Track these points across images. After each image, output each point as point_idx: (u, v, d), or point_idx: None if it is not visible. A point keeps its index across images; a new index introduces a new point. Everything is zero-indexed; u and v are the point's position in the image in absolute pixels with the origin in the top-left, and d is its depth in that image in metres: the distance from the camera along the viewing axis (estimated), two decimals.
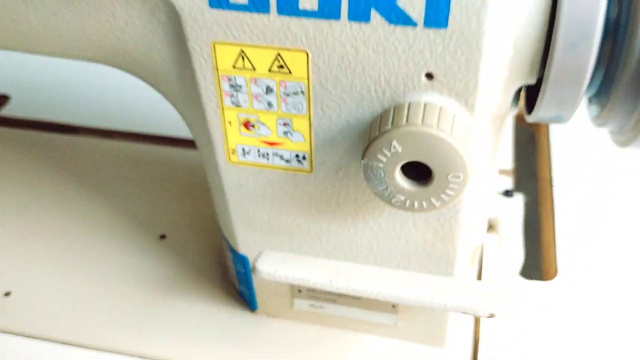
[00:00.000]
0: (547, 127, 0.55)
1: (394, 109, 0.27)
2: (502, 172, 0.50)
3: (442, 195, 0.28)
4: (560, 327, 0.40)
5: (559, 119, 0.29)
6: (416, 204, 0.28)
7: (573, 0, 0.25)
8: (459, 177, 0.27)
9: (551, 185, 0.49)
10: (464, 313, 0.31)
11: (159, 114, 0.56)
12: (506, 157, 0.52)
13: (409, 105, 0.27)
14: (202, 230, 0.47)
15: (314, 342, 0.40)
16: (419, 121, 0.26)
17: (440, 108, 0.27)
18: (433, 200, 0.28)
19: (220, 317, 0.41)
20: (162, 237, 0.46)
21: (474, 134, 0.28)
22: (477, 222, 0.34)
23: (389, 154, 0.27)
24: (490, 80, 0.27)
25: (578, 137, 0.52)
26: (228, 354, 0.39)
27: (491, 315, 0.30)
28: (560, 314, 0.40)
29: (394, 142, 0.26)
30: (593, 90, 0.29)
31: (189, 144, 0.53)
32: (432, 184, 0.27)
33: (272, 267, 0.34)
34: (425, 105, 0.27)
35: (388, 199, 0.28)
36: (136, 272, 0.44)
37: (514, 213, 0.46)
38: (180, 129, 0.54)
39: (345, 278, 0.33)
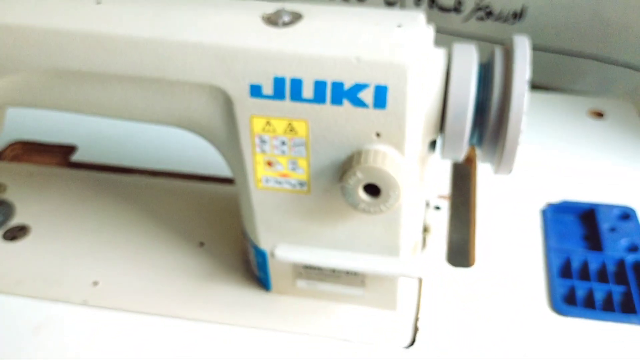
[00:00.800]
0: (476, 164, 0.76)
1: (358, 153, 0.47)
2: (440, 196, 0.70)
3: (387, 204, 0.47)
4: (476, 298, 0.59)
5: (456, 159, 0.49)
6: (372, 209, 0.48)
7: (455, 91, 0.45)
8: (395, 192, 0.47)
9: (475, 203, 0.69)
10: (404, 276, 0.51)
11: (192, 157, 0.76)
12: (445, 185, 0.72)
13: (366, 151, 0.47)
14: (229, 239, 0.66)
15: (310, 310, 0.59)
16: (371, 161, 0.46)
17: (384, 153, 0.47)
18: (382, 207, 0.47)
19: (245, 294, 0.60)
20: (201, 244, 0.66)
21: (405, 168, 0.48)
22: (413, 224, 0.53)
23: (355, 180, 0.47)
24: (412, 137, 0.47)
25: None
26: (251, 320, 0.58)
27: (419, 278, 0.50)
28: (477, 290, 0.60)
29: (358, 173, 0.46)
30: (475, 141, 0.49)
31: (218, 180, 0.73)
32: (380, 197, 0.47)
33: (284, 253, 0.53)
34: (375, 151, 0.47)
35: (355, 207, 0.48)
36: (186, 268, 0.63)
37: (442, 221, 0.66)
38: (209, 169, 0.74)
39: (332, 259, 0.52)
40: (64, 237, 0.67)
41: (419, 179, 0.51)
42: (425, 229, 0.64)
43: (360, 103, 0.46)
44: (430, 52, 0.47)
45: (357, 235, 0.53)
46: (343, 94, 0.46)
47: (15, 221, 0.68)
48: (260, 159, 0.51)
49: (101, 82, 0.51)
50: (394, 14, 0.48)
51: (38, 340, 0.56)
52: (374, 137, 0.47)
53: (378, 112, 0.46)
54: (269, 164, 0.51)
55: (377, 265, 0.52)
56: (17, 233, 0.67)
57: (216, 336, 0.57)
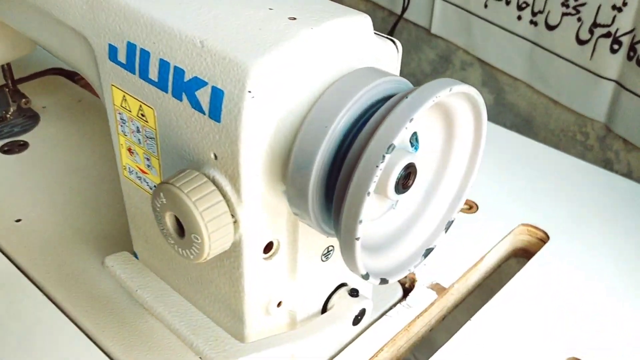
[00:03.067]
0: None
1: (183, 170, 0.35)
2: None
3: (192, 251, 0.34)
4: None
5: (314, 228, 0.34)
6: (180, 251, 0.35)
7: (305, 134, 0.31)
8: (198, 240, 0.33)
9: None
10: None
11: None
12: None
13: (188, 172, 0.34)
14: None
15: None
16: (180, 184, 0.33)
17: (206, 181, 0.33)
18: (187, 252, 0.34)
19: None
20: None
21: (238, 211, 0.34)
22: (263, 285, 0.38)
23: (160, 202, 0.34)
24: (251, 172, 0.33)
25: None
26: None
27: None
28: None
29: (162, 194, 0.34)
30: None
31: None
32: (184, 238, 0.34)
33: (114, 266, 0.42)
34: (197, 175, 0.34)
35: (166, 238, 0.36)
36: None
37: None
38: None
39: (147, 300, 0.40)
40: None
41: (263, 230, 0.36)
42: None
43: (197, 105, 0.33)
44: (318, 70, 0.32)
45: (204, 282, 0.40)
46: (182, 86, 0.34)
47: None
48: (122, 141, 0.41)
49: (33, 11, 0.45)
50: (327, 6, 0.34)
51: None
52: (212, 157, 0.34)
53: (213, 124, 0.33)
54: (130, 151, 0.41)
55: (183, 330, 0.38)
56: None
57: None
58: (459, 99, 0.32)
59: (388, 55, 0.36)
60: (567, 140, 1.04)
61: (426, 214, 0.36)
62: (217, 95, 0.32)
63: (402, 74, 0.36)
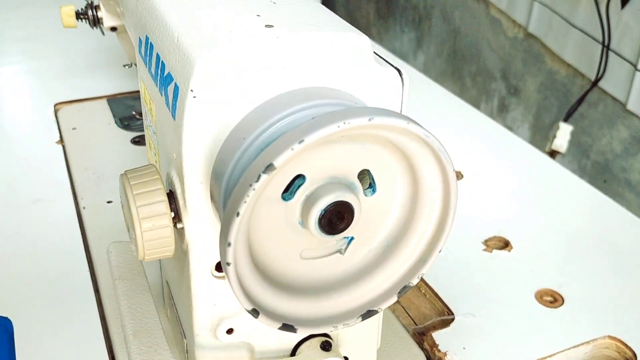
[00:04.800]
0: None
1: (147, 165, 0.34)
2: None
3: (133, 245, 0.33)
4: None
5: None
6: (132, 245, 0.34)
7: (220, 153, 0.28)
8: (132, 235, 0.32)
9: None
10: None
11: None
12: None
13: (149, 166, 0.33)
14: None
15: None
16: (131, 176, 0.33)
17: (155, 178, 0.32)
18: (133, 247, 0.34)
19: None
20: None
21: (184, 217, 0.32)
22: (210, 305, 0.35)
23: (120, 190, 0.34)
24: (193, 180, 0.31)
25: None
26: None
27: None
28: None
29: (119, 182, 0.33)
30: None
31: None
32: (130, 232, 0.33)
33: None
34: (151, 171, 0.33)
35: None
36: None
37: None
38: None
39: None
40: None
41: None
42: None
43: (167, 101, 0.33)
44: (274, 79, 0.30)
45: (181, 287, 0.39)
46: (163, 81, 0.34)
47: None
48: (147, 134, 0.42)
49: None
50: (317, 18, 0.32)
51: None
52: (174, 157, 0.33)
53: (172, 122, 0.32)
54: (150, 145, 0.41)
55: (127, 328, 0.37)
56: None
57: None
58: (417, 144, 0.27)
59: (387, 84, 0.32)
60: None
61: (380, 271, 0.31)
62: (175, 93, 0.31)
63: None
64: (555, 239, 0.58)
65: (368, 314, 0.30)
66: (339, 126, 0.24)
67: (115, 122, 0.76)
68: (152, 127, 0.39)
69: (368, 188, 0.29)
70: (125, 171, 0.33)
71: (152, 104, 0.37)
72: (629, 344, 0.46)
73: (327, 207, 0.27)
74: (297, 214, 0.28)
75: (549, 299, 0.50)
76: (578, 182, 0.67)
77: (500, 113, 1.54)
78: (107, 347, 0.44)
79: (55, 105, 0.79)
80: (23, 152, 0.71)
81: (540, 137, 1.33)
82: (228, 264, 0.25)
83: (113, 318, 0.47)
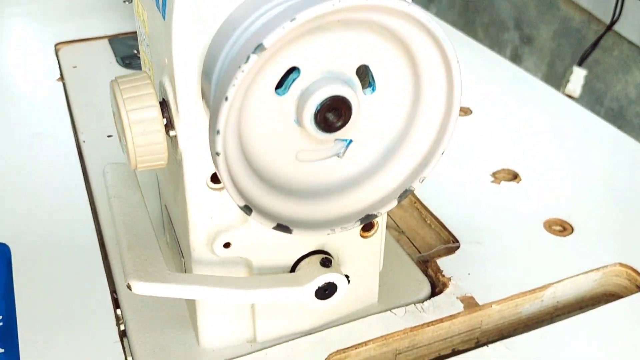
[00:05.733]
0: None
1: (138, 72, 0.33)
2: None
3: (125, 154, 0.32)
4: None
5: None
6: (124, 154, 0.33)
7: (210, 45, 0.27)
8: (123, 141, 0.31)
9: None
10: None
11: None
12: None
13: (139, 72, 0.32)
14: None
15: None
16: (121, 81, 0.31)
17: (147, 83, 0.31)
18: (125, 155, 0.32)
19: None
20: None
21: (176, 124, 0.31)
22: (207, 217, 0.34)
23: (111, 97, 0.33)
24: (185, 82, 0.30)
25: None
26: None
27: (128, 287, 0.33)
28: None
29: (110, 88, 0.32)
30: None
31: None
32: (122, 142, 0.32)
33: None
34: (142, 76, 0.31)
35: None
36: None
37: None
38: None
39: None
40: None
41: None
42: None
43: (157, 2, 0.31)
44: None
45: (176, 201, 0.38)
46: None
47: None
48: (142, 53, 0.40)
49: None
50: None
51: None
52: (165, 63, 0.32)
53: (162, 23, 0.31)
54: (144, 61, 0.40)
55: (122, 240, 0.36)
56: None
57: None
58: (417, 30, 0.26)
59: None
60: None
61: (380, 175, 0.29)
62: None
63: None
64: (566, 171, 0.56)
65: (367, 218, 0.29)
66: (333, 4, 0.23)
67: (117, 61, 0.75)
68: (145, 40, 0.37)
69: (368, 87, 0.28)
70: (116, 77, 0.32)
71: (144, 14, 0.36)
72: None
73: (322, 101, 0.26)
74: (292, 111, 0.27)
75: (558, 228, 0.49)
76: (590, 116, 0.65)
77: (513, 63, 1.51)
78: (104, 267, 0.44)
79: (56, 45, 0.78)
80: (22, 89, 0.70)
81: (554, 87, 1.30)
82: (217, 153, 0.24)
83: (112, 245, 0.47)
